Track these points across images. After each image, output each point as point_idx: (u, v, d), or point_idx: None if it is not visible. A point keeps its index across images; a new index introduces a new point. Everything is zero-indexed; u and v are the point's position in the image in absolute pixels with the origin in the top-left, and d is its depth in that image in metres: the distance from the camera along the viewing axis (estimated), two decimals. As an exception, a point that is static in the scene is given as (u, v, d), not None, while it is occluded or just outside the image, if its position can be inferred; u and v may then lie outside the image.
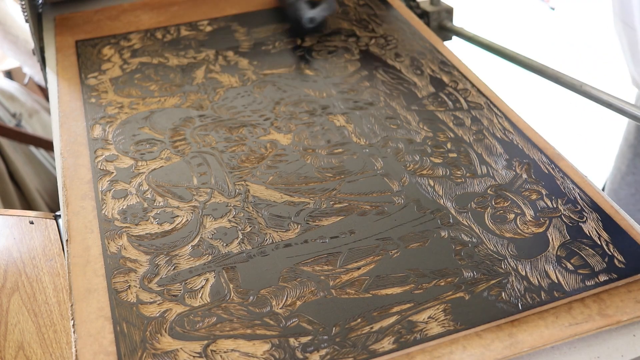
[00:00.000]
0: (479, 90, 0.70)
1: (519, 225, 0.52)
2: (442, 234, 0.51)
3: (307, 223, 0.52)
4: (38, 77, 1.39)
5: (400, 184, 0.56)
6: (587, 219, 0.52)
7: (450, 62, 0.75)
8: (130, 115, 0.67)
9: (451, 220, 0.52)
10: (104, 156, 0.61)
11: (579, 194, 0.55)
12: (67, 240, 0.54)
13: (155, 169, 0.59)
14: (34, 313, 0.58)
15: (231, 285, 0.47)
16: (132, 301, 0.46)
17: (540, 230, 0.51)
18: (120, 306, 0.46)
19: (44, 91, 1.67)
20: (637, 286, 0.46)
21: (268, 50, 0.79)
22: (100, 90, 0.71)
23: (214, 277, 0.48)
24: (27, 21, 0.87)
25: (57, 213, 0.65)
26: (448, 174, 0.58)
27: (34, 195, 1.34)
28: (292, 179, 0.57)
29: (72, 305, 0.48)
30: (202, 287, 0.47)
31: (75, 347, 0.44)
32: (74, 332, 0.45)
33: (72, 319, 0.47)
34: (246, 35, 0.82)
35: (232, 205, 0.55)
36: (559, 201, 0.54)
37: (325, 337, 0.43)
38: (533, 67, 0.86)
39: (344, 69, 0.75)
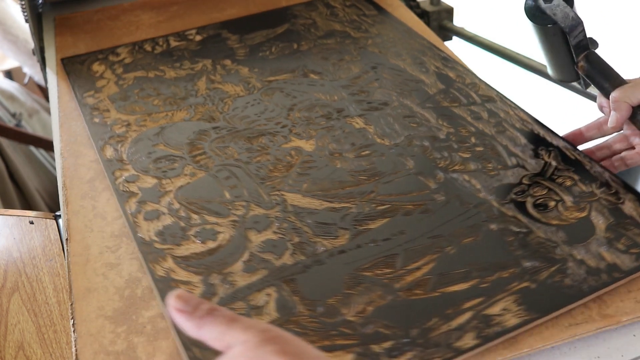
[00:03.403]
0: (487, 84, 0.70)
1: (562, 212, 0.52)
2: (491, 226, 0.51)
3: (355, 227, 0.52)
4: (38, 77, 1.39)
5: (436, 181, 0.56)
6: (624, 200, 0.53)
7: (452, 58, 0.75)
8: (140, 132, 0.65)
9: (496, 213, 0.52)
10: (123, 177, 0.59)
11: (609, 177, 0.55)
12: (67, 239, 0.54)
13: (182, 186, 0.57)
14: (34, 313, 0.58)
15: (296, 298, 0.45)
16: None
17: (583, 214, 0.52)
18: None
19: (44, 91, 1.66)
20: (637, 286, 0.46)
21: (266, 56, 0.78)
22: (102, 109, 0.69)
23: (276, 291, 0.46)
24: (27, 21, 0.87)
25: (57, 213, 0.65)
26: (480, 167, 0.58)
27: (34, 195, 1.34)
28: (327, 185, 0.56)
29: (72, 305, 0.48)
30: (266, 303, 0.45)
31: (75, 346, 0.44)
32: (74, 331, 0.45)
33: (72, 318, 0.47)
34: (239, 42, 0.81)
35: (273, 216, 0.53)
36: (593, 185, 0.55)
37: (407, 339, 0.42)
38: (533, 67, 0.86)
39: (348, 70, 0.74)
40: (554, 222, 0.51)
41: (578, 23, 0.57)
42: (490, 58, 0.91)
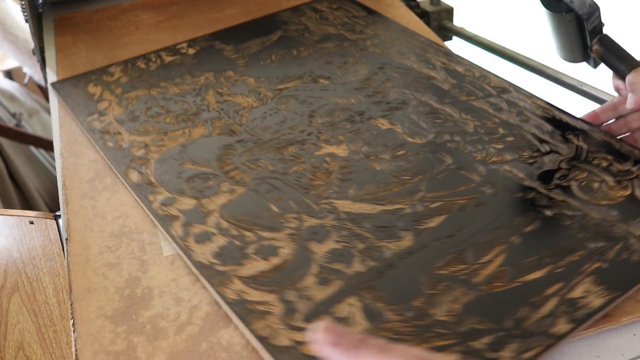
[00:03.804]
0: (495, 75, 0.70)
1: (607, 192, 0.54)
2: (547, 212, 0.52)
3: (415, 228, 0.51)
4: (38, 77, 1.39)
5: (479, 174, 0.56)
6: None
7: (454, 53, 0.76)
8: (161, 152, 0.62)
9: (546, 199, 0.53)
10: (159, 201, 0.56)
11: (639, 153, 0.58)
12: (66, 239, 0.54)
13: (224, 204, 0.55)
14: (34, 313, 0.58)
15: (381, 305, 0.45)
16: (289, 344, 0.42)
17: (628, 192, 0.53)
18: (282, 352, 0.42)
19: (44, 91, 1.67)
20: (637, 287, 0.47)
21: (267, 64, 0.77)
22: (112, 132, 0.66)
23: (359, 300, 0.45)
24: (27, 21, 0.87)
25: (57, 213, 0.65)
26: (517, 157, 0.58)
27: (34, 195, 1.34)
28: (373, 188, 0.56)
29: (72, 305, 0.48)
30: (352, 314, 0.44)
31: (75, 346, 0.44)
32: (74, 331, 0.45)
33: (72, 318, 0.47)
34: (235, 52, 0.80)
35: (329, 225, 0.52)
36: (628, 163, 0.57)
37: (503, 332, 0.42)
38: (533, 67, 0.86)
39: (356, 72, 0.74)
40: (603, 202, 0.53)
41: (595, 9, 0.58)
42: (490, 58, 0.91)
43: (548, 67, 0.84)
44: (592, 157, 0.57)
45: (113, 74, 0.76)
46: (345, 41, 0.81)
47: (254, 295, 0.46)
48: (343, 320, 0.44)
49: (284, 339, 0.42)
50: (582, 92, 0.80)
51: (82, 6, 0.96)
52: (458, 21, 1.00)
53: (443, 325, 0.43)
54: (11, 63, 1.67)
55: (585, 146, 0.59)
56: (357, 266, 0.48)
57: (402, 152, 0.60)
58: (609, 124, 0.61)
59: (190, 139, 0.64)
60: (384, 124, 0.64)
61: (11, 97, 1.49)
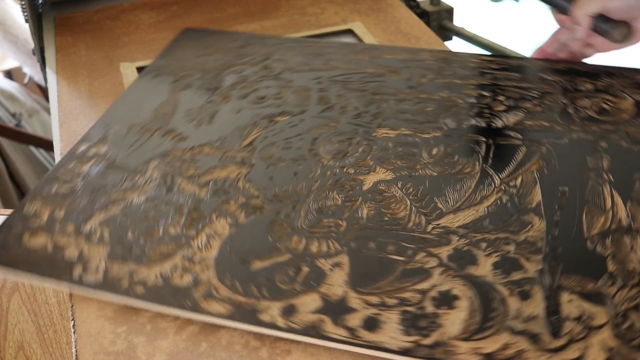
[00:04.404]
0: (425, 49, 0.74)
1: (618, 107, 0.60)
2: (602, 144, 0.56)
3: (526, 207, 0.51)
4: (38, 77, 1.39)
5: (516, 136, 0.59)
6: (630, 76, 0.64)
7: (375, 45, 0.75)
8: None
9: (588, 133, 0.58)
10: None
11: (603, 68, 0.65)
12: (67, 240, 0.54)
13: (346, 280, 0.45)
14: (34, 313, 0.58)
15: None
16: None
17: (631, 100, 0.61)
18: None
19: (44, 91, 1.67)
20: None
21: (203, 127, 0.63)
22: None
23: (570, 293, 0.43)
24: (27, 21, 0.87)
25: (57, 213, 0.65)
26: (525, 110, 0.62)
27: (34, 195, 1.34)
28: (454, 194, 0.53)
29: (72, 306, 0.48)
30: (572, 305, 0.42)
31: (75, 347, 0.44)
32: (74, 332, 0.45)
33: (72, 319, 0.47)
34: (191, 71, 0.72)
35: (462, 245, 0.48)
36: (603, 79, 0.64)
37: None
38: (533, 67, 0.86)
39: (301, 96, 0.67)
40: (625, 116, 0.58)
41: None
42: (490, 58, 0.91)
43: (548, 67, 0.84)
44: (574, 85, 0.63)
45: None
46: (245, 72, 0.72)
47: (489, 346, 0.41)
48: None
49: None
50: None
51: (82, 6, 0.96)
52: (458, 21, 1.00)
53: None
54: (11, 63, 1.67)
55: (559, 78, 0.63)
56: (530, 267, 0.45)
57: (434, 151, 0.57)
58: (555, 54, 0.70)
59: (227, 234, 0.50)
60: (389, 133, 0.60)
61: (11, 97, 1.49)
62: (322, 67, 0.71)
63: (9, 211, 0.67)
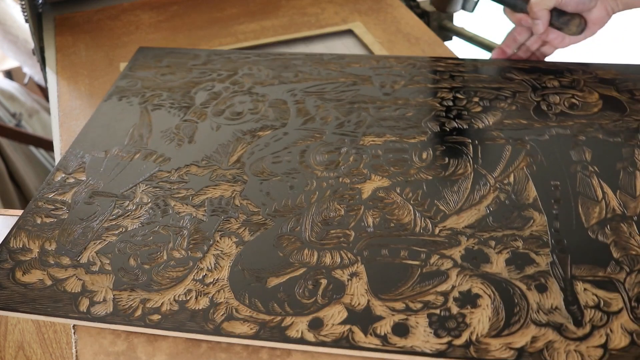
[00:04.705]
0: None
1: (585, 101, 0.63)
2: (600, 136, 0.58)
3: (523, 203, 0.52)
4: (38, 77, 1.39)
5: (501, 138, 0.60)
6: (591, 70, 0.67)
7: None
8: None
9: (569, 131, 0.59)
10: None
11: (562, 64, 0.67)
12: (67, 240, 0.53)
13: (366, 289, 0.45)
14: (34, 313, 0.58)
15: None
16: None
17: (596, 95, 0.63)
18: None
19: (44, 91, 1.67)
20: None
21: (179, 147, 0.61)
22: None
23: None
24: (27, 21, 0.87)
25: (57, 213, 0.65)
26: (501, 109, 0.63)
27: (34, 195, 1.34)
28: (453, 196, 0.53)
29: (72, 305, 0.48)
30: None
31: (75, 347, 0.44)
32: (74, 332, 0.45)
33: (72, 319, 0.47)
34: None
35: (471, 245, 0.48)
36: (568, 75, 0.67)
37: None
38: (533, 67, 0.86)
39: (279, 110, 0.66)
40: (595, 109, 0.61)
41: None
42: (490, 58, 0.91)
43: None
44: (541, 83, 0.65)
45: None
46: (216, 89, 0.70)
47: (519, 340, 0.41)
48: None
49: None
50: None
51: (82, 6, 0.96)
52: (458, 21, 1.00)
53: None
54: (11, 63, 1.67)
55: (527, 77, 0.66)
56: (542, 261, 0.46)
57: (425, 154, 0.58)
58: (515, 53, 0.72)
59: (236, 254, 0.49)
60: (375, 140, 0.60)
61: (11, 97, 1.49)
62: (293, 79, 0.71)
63: (9, 211, 0.67)
